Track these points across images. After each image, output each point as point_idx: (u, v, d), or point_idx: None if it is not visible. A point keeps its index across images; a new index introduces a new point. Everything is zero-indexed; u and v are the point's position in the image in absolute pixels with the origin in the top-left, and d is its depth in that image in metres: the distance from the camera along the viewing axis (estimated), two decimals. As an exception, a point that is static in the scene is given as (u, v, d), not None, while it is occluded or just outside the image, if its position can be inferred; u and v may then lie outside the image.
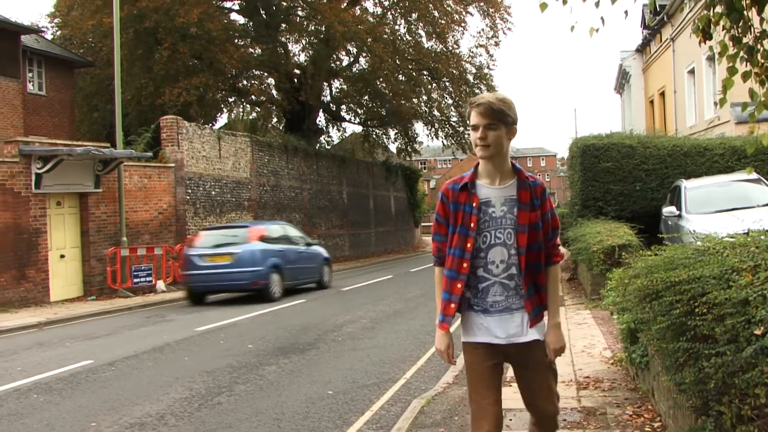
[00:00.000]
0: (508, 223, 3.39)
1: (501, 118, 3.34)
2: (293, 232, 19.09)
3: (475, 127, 3.35)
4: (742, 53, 4.71)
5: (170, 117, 21.76)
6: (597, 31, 5.10)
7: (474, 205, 3.38)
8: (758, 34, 4.68)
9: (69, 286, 17.66)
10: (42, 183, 16.65)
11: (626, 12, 5.16)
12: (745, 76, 4.81)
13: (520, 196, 3.41)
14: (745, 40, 4.70)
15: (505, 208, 3.40)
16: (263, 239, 16.78)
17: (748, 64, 4.78)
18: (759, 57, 4.72)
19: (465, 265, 3.37)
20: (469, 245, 3.37)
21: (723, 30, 4.77)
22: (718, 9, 4.68)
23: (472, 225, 3.37)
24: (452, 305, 3.41)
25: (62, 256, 17.48)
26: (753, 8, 4.55)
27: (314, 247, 19.26)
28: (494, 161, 3.41)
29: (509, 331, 3.39)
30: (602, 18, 5.06)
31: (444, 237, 3.47)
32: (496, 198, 3.41)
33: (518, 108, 3.46)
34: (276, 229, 18.20)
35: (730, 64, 4.78)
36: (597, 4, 5.04)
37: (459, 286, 3.39)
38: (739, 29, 4.64)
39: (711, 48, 4.94)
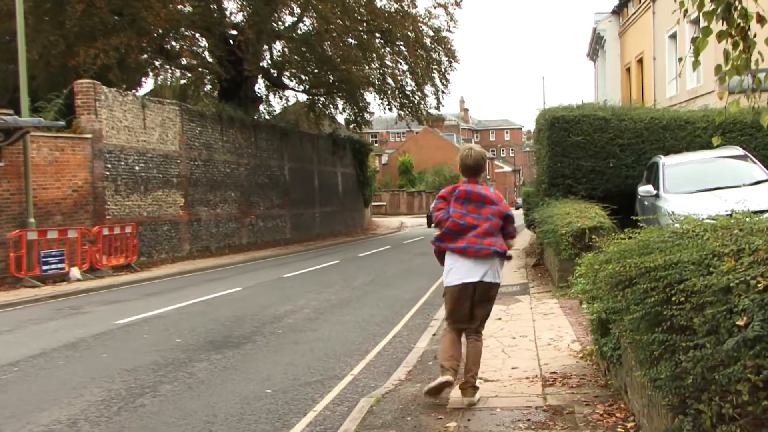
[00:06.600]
0: None
1: None
2: None
3: None
4: (719, 10, 4.73)
5: (86, 81, 21.21)
6: None
7: None
8: None
9: (-33, 274, 17.16)
10: (-66, 155, 16.09)
11: None
12: (721, 36, 4.83)
13: None
14: None
15: None
16: None
17: (725, 23, 4.80)
18: (736, 16, 4.74)
19: None
20: None
21: None
22: None
23: None
24: None
25: (-41, 240, 16.96)
26: None
27: None
28: None
29: None
30: None
31: None
32: None
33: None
34: None
35: (706, 23, 4.80)
36: None
37: None
38: None
39: (682, 2, 4.91)
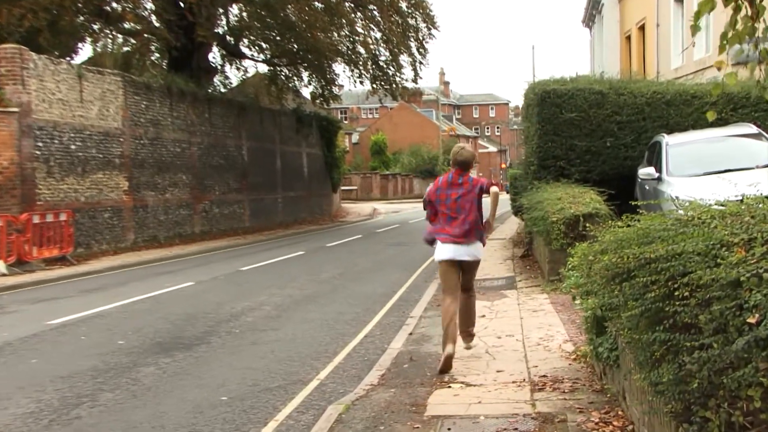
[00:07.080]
0: None
1: None
2: None
3: None
4: None
5: (11, 46, 20.90)
6: None
7: None
8: None
9: None
10: None
11: None
12: (727, 0, 4.83)
13: None
14: None
15: None
16: None
17: None
18: None
19: None
20: None
21: None
22: None
23: None
24: None
25: None
26: None
27: None
28: None
29: None
30: None
31: None
32: None
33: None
34: None
35: None
36: None
37: None
38: None
39: None
